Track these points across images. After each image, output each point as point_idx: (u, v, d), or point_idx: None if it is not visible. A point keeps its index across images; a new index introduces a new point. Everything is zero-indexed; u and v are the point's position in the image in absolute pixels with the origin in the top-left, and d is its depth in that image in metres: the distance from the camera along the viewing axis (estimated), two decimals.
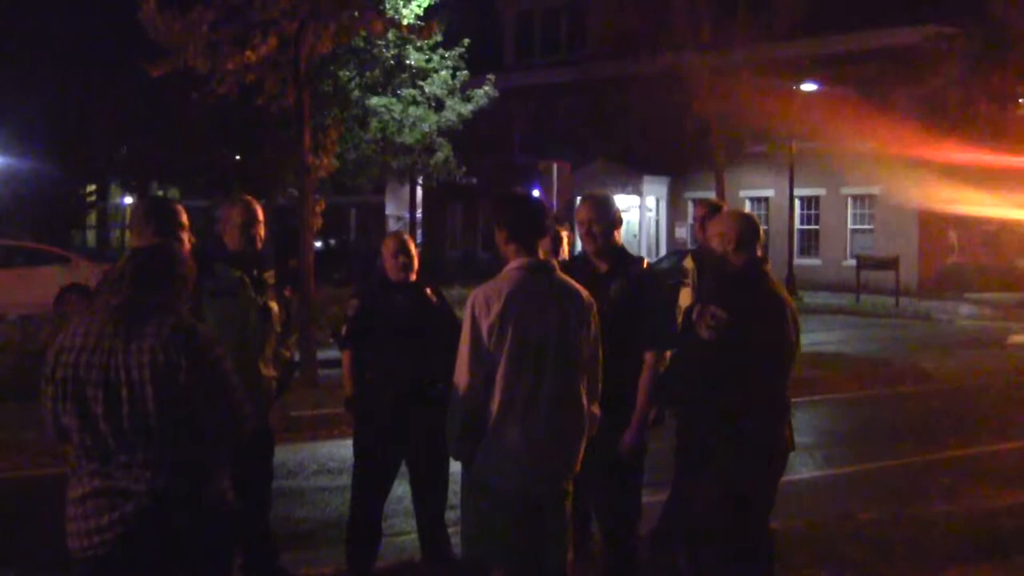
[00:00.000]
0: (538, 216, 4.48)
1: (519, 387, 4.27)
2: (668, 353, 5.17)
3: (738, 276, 4.78)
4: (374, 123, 25.02)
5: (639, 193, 36.52)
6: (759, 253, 4.86)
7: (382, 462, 5.91)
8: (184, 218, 5.07)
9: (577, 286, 4.49)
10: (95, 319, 3.59)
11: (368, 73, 24.83)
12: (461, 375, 4.29)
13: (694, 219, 6.17)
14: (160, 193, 41.15)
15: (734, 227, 4.83)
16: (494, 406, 4.26)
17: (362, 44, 23.50)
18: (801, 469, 9.24)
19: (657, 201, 37.33)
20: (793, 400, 4.95)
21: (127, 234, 50.73)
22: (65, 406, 3.51)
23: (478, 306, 4.27)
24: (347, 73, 24.60)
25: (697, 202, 6.11)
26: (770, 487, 4.81)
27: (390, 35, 22.66)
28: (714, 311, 4.64)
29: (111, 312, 3.57)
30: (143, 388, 3.45)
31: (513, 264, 4.38)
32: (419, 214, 33.05)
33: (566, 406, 4.37)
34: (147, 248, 3.84)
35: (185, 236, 5.04)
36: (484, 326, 4.24)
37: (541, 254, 4.44)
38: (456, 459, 4.43)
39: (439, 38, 22.49)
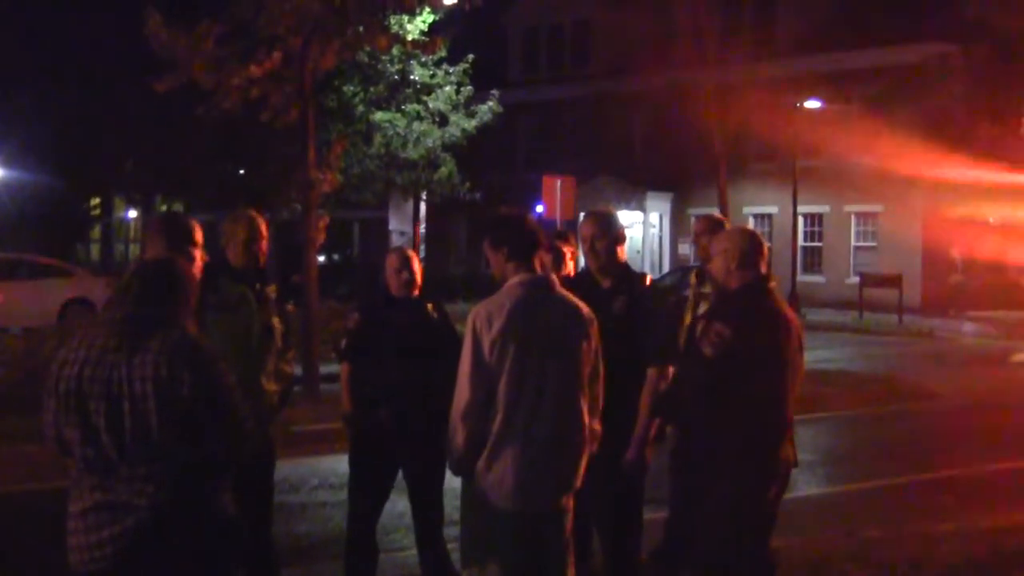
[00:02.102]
0: (533, 232, 4.47)
1: (520, 403, 4.25)
2: (670, 369, 5.18)
3: (742, 293, 4.78)
4: (378, 138, 25.07)
5: (643, 209, 36.53)
6: (764, 270, 4.85)
7: (378, 477, 5.91)
8: (198, 235, 5.07)
9: (578, 301, 4.47)
10: (98, 332, 3.59)
11: (372, 88, 24.90)
12: (462, 391, 4.26)
13: (694, 234, 6.12)
14: (165, 207, 41.19)
15: (737, 244, 4.84)
16: (495, 422, 4.24)
17: (367, 59, 23.58)
18: (804, 487, 9.22)
19: (660, 217, 37.34)
20: (796, 417, 4.95)
21: (131, 248, 50.95)
22: (67, 419, 3.51)
23: (479, 322, 4.26)
24: (351, 88, 24.67)
25: (697, 218, 6.03)
26: (772, 505, 4.80)
27: (394, 51, 22.73)
28: (718, 328, 4.64)
29: (114, 325, 3.57)
30: (145, 401, 3.45)
31: (514, 280, 4.36)
32: (422, 229, 33.09)
33: (567, 422, 4.35)
34: (151, 261, 3.85)
35: (198, 252, 5.04)
36: (486, 342, 4.23)
37: (539, 268, 4.44)
38: (457, 475, 4.41)
39: (443, 54, 22.54)
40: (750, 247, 4.82)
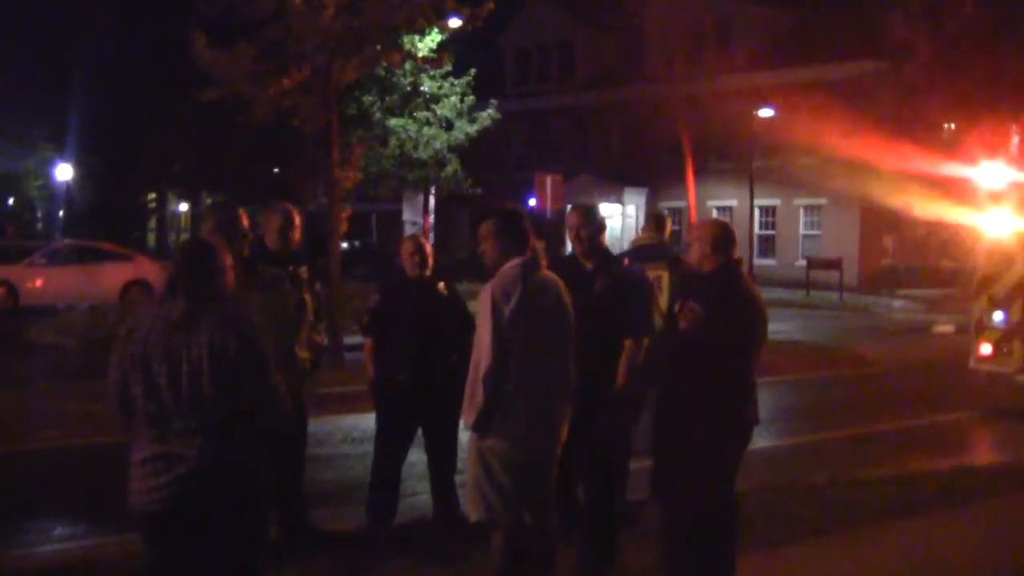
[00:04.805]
0: (524, 222, 4.48)
1: (531, 368, 4.23)
2: (645, 340, 5.16)
3: (714, 275, 4.74)
4: (393, 141, 24.95)
5: (620, 202, 36.47)
6: (735, 255, 4.80)
7: (399, 434, 5.92)
8: (243, 219, 5.06)
9: (556, 278, 4.48)
10: (162, 308, 3.62)
11: (388, 98, 24.76)
12: (484, 359, 4.19)
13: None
14: (209, 201, 41.01)
15: (710, 232, 4.81)
16: (511, 383, 4.20)
17: (383, 73, 23.41)
18: (758, 440, 9.17)
19: (636, 209, 37.25)
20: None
21: (182, 236, 50.78)
22: (134, 378, 3.54)
23: (498, 297, 4.21)
24: (370, 98, 24.53)
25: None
26: (737, 457, 4.77)
27: (407, 65, 22.59)
28: (692, 306, 4.61)
29: (175, 306, 3.59)
30: (200, 364, 3.49)
31: (516, 261, 4.33)
32: (431, 220, 32.99)
33: (565, 382, 4.36)
34: (187, 244, 3.93)
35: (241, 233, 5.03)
36: (505, 315, 4.18)
37: (530, 252, 4.41)
38: (476, 432, 4.30)
39: (449, 68, 22.39)
40: (721, 235, 4.77)
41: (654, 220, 7.21)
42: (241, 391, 3.53)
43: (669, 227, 7.18)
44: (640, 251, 7.01)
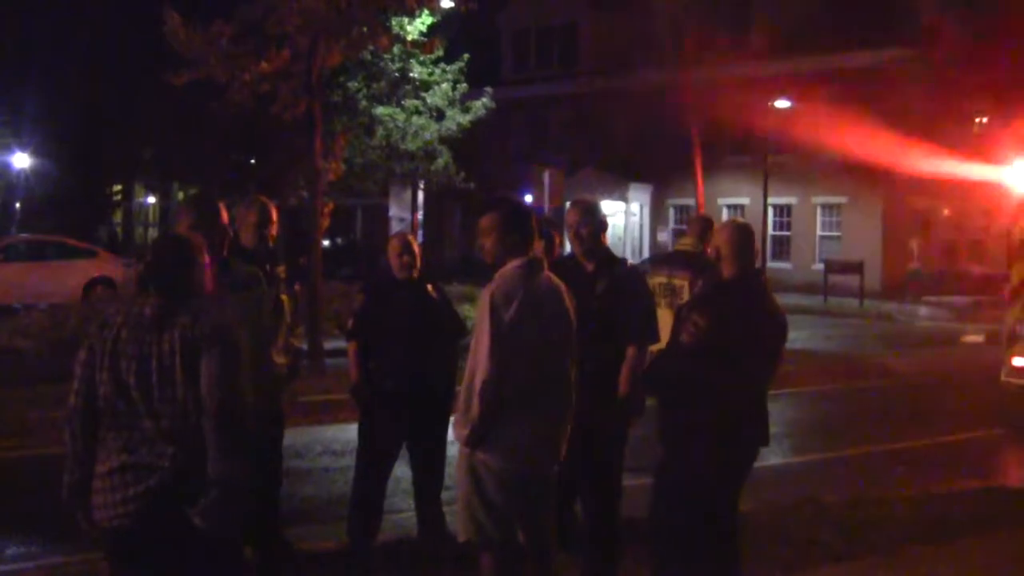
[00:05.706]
0: (531, 218, 4.46)
1: (531, 376, 4.23)
2: (648, 348, 5.19)
3: (725, 286, 4.73)
4: (379, 131, 24.99)
5: (625, 199, 36.52)
6: (752, 263, 4.75)
7: (384, 445, 5.93)
8: (223, 215, 5.04)
9: (559, 280, 4.48)
10: (134, 303, 3.66)
11: (375, 85, 24.80)
12: (481, 366, 4.15)
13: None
14: (181, 194, 41.04)
15: (725, 237, 4.77)
16: (509, 393, 4.18)
17: (369, 58, 23.45)
18: (771, 457, 9.24)
19: (641, 207, 37.33)
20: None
21: (150, 230, 50.69)
22: (103, 376, 3.57)
23: (499, 301, 4.18)
24: (355, 84, 24.58)
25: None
26: (738, 479, 4.77)
27: (395, 50, 22.65)
28: (695, 318, 4.59)
29: (146, 304, 3.63)
30: (172, 358, 3.52)
31: (517, 262, 4.32)
32: (420, 216, 32.99)
33: (566, 391, 4.36)
34: (161, 237, 3.94)
35: (221, 229, 5.01)
36: (505, 320, 4.16)
37: (530, 253, 4.41)
38: (467, 445, 4.26)
39: (441, 53, 22.43)
40: (737, 240, 4.73)
41: (697, 225, 7.04)
42: (208, 385, 3.53)
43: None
44: (668, 257, 7.03)
